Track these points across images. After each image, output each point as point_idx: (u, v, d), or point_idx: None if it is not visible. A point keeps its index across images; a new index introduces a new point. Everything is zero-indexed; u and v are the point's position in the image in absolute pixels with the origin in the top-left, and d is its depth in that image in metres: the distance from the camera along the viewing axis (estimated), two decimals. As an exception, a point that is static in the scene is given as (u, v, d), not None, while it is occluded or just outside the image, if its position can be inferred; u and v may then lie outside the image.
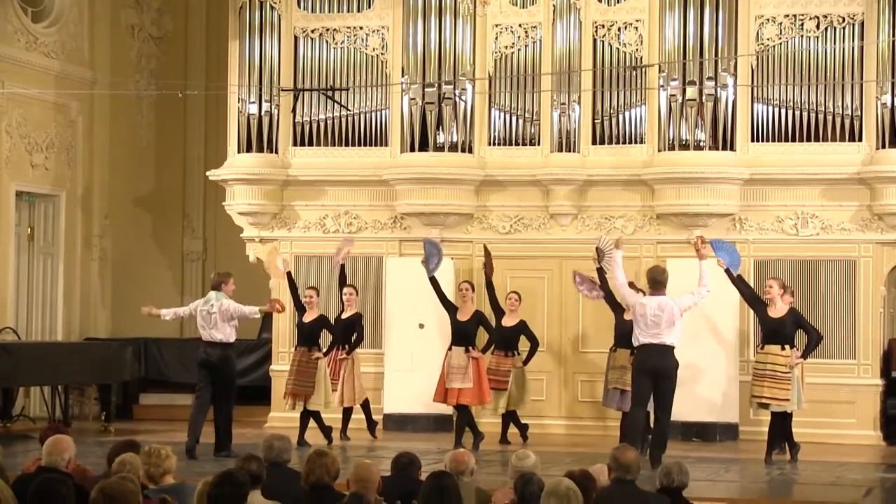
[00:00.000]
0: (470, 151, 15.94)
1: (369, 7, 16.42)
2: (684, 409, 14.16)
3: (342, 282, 15.08)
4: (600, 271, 14.39)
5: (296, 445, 13.41)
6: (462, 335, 14.19)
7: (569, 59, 15.69)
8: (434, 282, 14.42)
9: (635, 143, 15.67)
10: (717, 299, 14.31)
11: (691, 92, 15.12)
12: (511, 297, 14.72)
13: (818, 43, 15.26)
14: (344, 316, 15.01)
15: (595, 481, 7.47)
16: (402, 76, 15.95)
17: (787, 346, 13.22)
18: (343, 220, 16.37)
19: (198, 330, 13.59)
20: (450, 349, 14.23)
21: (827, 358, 14.80)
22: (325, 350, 14.71)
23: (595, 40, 15.78)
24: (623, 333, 13.72)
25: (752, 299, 13.72)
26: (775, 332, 13.27)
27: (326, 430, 14.62)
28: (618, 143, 15.72)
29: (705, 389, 14.93)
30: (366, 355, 15.37)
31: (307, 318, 14.72)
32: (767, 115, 15.34)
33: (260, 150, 16.28)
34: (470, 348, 14.13)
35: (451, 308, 14.39)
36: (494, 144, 16.07)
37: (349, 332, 14.92)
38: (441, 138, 15.80)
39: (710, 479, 11.84)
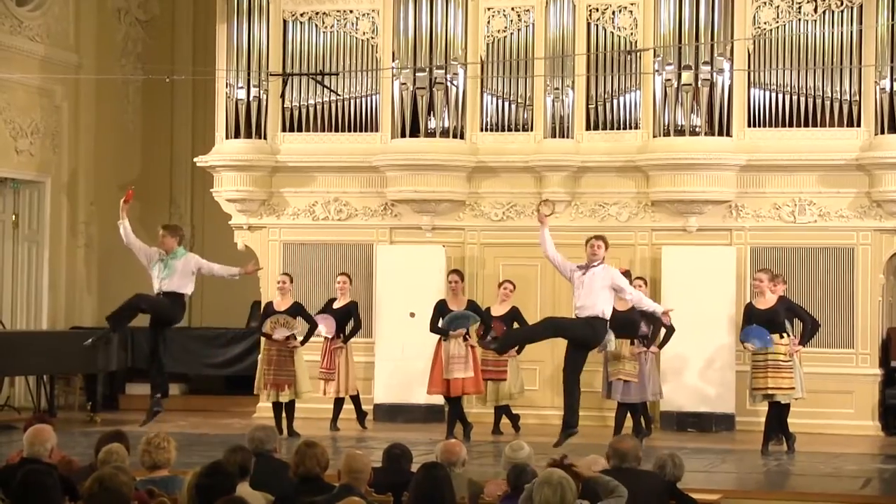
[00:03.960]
0: (462, 137, 15.75)
1: (359, -10, 16.25)
2: (680, 399, 14.05)
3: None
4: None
5: (285, 436, 13.27)
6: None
7: (562, 44, 15.50)
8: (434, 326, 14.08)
9: (630, 128, 15.49)
10: (713, 289, 14.16)
11: (687, 77, 14.93)
12: (506, 285, 14.52)
13: (816, 27, 15.08)
14: (337, 305, 14.80)
15: (578, 472, 7.31)
16: (393, 61, 15.75)
17: (784, 335, 13.05)
18: (333, 206, 16.18)
19: (188, 320, 13.41)
20: (444, 339, 14.00)
21: (825, 347, 14.65)
22: (301, 339, 14.39)
23: (589, 24, 15.60)
24: (619, 324, 13.48)
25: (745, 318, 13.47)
26: (769, 322, 13.07)
27: (290, 421, 14.28)
28: (612, 128, 15.53)
29: (701, 380, 14.78)
30: (356, 345, 15.15)
31: (280, 305, 14.45)
32: (764, 100, 15.15)
33: (248, 135, 16.09)
34: (467, 336, 13.92)
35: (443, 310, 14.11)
36: (487, 130, 15.87)
37: (344, 321, 14.71)
38: (432, 124, 15.62)
39: (707, 470, 11.68)
